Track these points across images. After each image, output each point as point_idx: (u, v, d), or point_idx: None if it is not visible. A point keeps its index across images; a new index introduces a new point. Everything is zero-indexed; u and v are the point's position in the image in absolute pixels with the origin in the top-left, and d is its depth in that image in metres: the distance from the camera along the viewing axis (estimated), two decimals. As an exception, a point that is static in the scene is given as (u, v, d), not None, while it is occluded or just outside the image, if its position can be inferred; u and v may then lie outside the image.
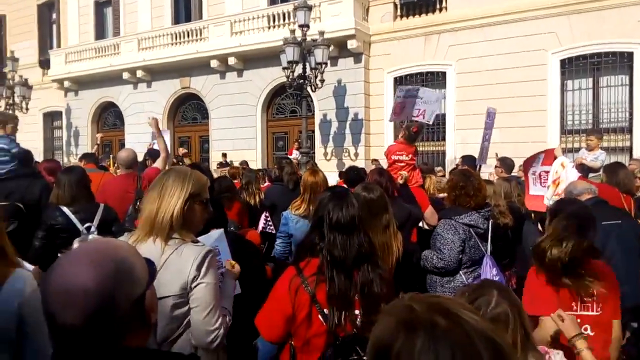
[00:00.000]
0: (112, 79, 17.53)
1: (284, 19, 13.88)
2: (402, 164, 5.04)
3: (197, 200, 1.90)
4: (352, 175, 4.40)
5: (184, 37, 15.71)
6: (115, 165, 6.80)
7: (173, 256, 1.80)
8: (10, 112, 17.96)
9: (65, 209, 3.35)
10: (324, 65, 11.81)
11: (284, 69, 11.94)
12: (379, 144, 13.41)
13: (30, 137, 19.64)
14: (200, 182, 1.93)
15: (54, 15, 20.32)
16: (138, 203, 3.80)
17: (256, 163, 14.10)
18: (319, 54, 11.61)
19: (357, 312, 1.85)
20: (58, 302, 0.93)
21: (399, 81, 13.28)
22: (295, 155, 12.41)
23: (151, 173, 4.12)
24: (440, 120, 12.73)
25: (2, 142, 4.67)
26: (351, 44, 12.93)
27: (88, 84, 18.44)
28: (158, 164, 4.36)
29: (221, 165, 12.27)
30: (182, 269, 1.77)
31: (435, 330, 0.70)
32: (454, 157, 11.91)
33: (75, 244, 3.24)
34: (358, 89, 13.46)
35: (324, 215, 1.93)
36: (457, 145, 12.29)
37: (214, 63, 15.13)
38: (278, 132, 15.38)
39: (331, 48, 12.29)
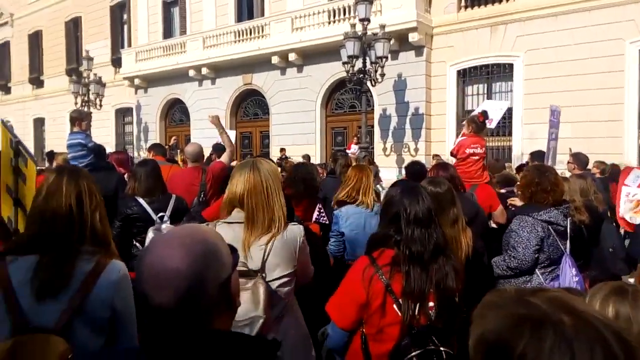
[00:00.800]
0: (178, 76, 18.23)
1: (344, 14, 13.85)
2: (477, 157, 4.87)
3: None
4: (415, 169, 4.32)
5: (246, 35, 16.06)
6: (182, 158, 7.08)
7: (279, 238, 1.96)
8: (86, 108, 19.18)
9: (140, 200, 3.52)
10: (384, 59, 11.67)
11: (343, 63, 11.91)
12: (440, 139, 13.11)
13: (103, 132, 20.85)
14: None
15: (125, 16, 21.40)
16: (202, 195, 3.94)
17: (315, 158, 14.20)
18: (380, 48, 11.48)
19: (430, 304, 1.85)
20: (151, 283, 0.96)
21: (462, 74, 12.91)
22: (353, 150, 12.37)
23: (216, 167, 4.24)
24: (507, 114, 12.23)
25: (79, 137, 5.00)
26: (412, 37, 12.70)
27: (157, 81, 19.28)
28: (223, 158, 4.48)
29: (280, 160, 12.47)
30: (289, 248, 1.98)
31: (564, 329, 0.65)
32: (521, 153, 11.43)
33: (150, 233, 3.40)
34: (419, 82, 13.20)
35: (399, 211, 1.93)
36: (524, 141, 11.78)
37: (274, 59, 15.36)
38: (337, 127, 15.41)
39: (392, 41, 12.13)
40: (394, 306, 1.83)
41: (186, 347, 0.97)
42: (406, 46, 13.13)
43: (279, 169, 6.82)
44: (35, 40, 25.47)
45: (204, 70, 17.30)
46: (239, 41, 16.24)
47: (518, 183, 4.04)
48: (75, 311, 1.54)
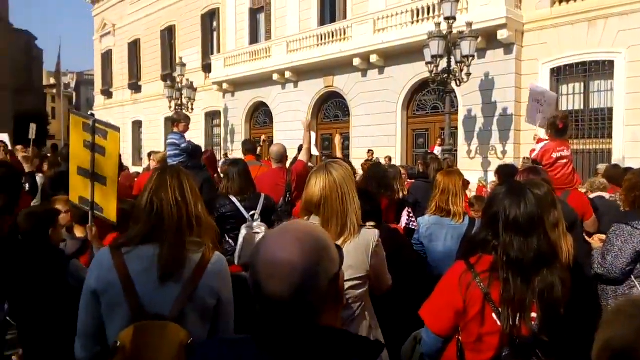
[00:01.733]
0: (263, 80, 18.87)
1: (428, 13, 13.59)
2: (565, 161, 4.58)
3: None
4: (508, 171, 4.14)
5: (328, 38, 16.26)
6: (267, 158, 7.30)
7: (352, 241, 1.98)
8: (180, 111, 20.43)
9: (233, 198, 3.70)
10: (470, 58, 11.29)
11: (427, 63, 11.68)
12: (530, 141, 12.39)
13: (194, 134, 22.07)
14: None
15: (215, 24, 22.52)
16: (288, 195, 4.05)
17: (396, 160, 14.05)
18: (466, 47, 11.12)
19: (533, 314, 1.73)
20: (265, 272, 1.00)
21: (556, 72, 12.14)
22: (437, 152, 12.08)
23: (298, 167, 4.33)
24: (606, 115, 11.35)
25: (174, 137, 5.35)
26: (501, 34, 12.15)
27: (243, 85, 20.10)
28: (302, 156, 4.57)
29: (367, 162, 12.46)
30: (363, 251, 1.99)
31: None
32: (622, 157, 10.53)
33: (243, 230, 3.56)
34: (508, 82, 12.60)
35: (499, 211, 1.82)
36: (626, 144, 10.84)
37: (356, 61, 15.41)
38: (419, 129, 15.13)
39: (479, 39, 11.70)
40: (493, 315, 1.74)
41: (296, 340, 0.99)
42: (494, 44, 12.60)
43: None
44: (134, 48, 27.55)
45: (287, 74, 17.76)
46: (321, 44, 16.47)
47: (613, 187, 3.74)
48: (188, 299, 1.64)
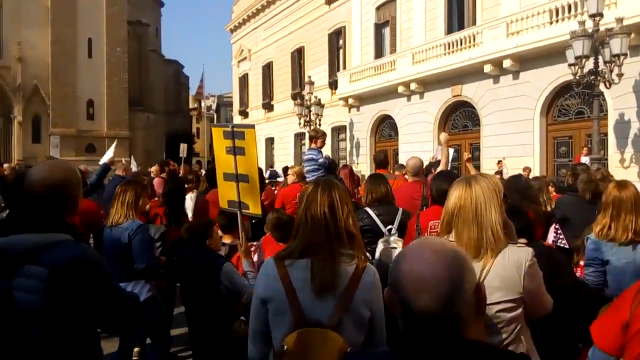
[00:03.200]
0: (388, 93, 18.92)
1: (569, 11, 12.50)
2: None
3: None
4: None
5: (456, 46, 15.78)
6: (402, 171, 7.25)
7: (499, 259, 1.82)
8: (307, 128, 21.32)
9: (370, 211, 3.73)
10: (622, 57, 10.12)
11: (570, 65, 10.73)
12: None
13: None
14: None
15: (341, 41, 23.22)
16: (424, 209, 3.96)
17: (534, 171, 13.04)
18: (616, 45, 10.00)
19: None
20: (412, 288, 1.02)
21: None
22: (583, 161, 10.97)
23: (434, 181, 4.23)
24: None
25: (312, 153, 5.58)
26: (660, 28, 10.73)
27: (368, 99, 20.36)
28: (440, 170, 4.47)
29: (497, 173, 11.80)
30: (513, 271, 1.81)
31: None
32: None
33: (380, 245, 3.57)
34: (669, 80, 11.06)
35: None
36: None
37: (487, 68, 14.72)
38: (560, 136, 13.91)
39: (632, 36, 10.45)
40: None
41: (444, 354, 1.00)
42: (651, 39, 11.16)
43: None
44: (267, 70, 29.51)
45: (413, 86, 17.58)
46: (449, 53, 16.04)
47: None
48: (345, 309, 1.70)
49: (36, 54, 37.01)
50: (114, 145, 7.61)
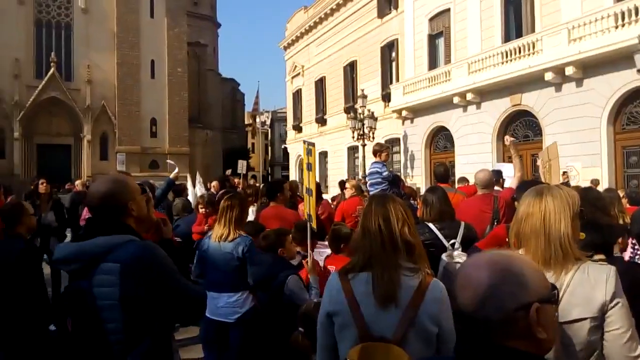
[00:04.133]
0: (443, 104, 18.63)
1: (635, 14, 11.87)
2: None
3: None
4: None
5: (514, 54, 15.35)
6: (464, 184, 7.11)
7: (577, 276, 1.71)
8: (360, 141, 21.34)
9: (431, 226, 3.67)
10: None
11: (638, 71, 10.16)
12: None
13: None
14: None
15: (393, 54, 23.16)
16: (495, 223, 3.85)
17: (602, 182, 12.36)
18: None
19: None
20: (458, 284, 1.13)
21: None
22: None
23: (507, 194, 4.11)
24: None
25: (376, 166, 5.61)
26: None
27: (422, 111, 20.13)
28: (512, 183, 4.33)
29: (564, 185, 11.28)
30: (593, 289, 1.68)
31: None
32: None
33: (443, 259, 3.50)
34: None
35: None
36: None
37: (548, 76, 14.20)
38: (630, 145, 13.14)
39: None
40: None
41: (472, 355, 1.09)
42: None
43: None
44: (320, 85, 29.89)
45: (469, 96, 17.22)
46: (506, 62, 15.62)
47: None
48: (409, 324, 1.69)
49: (103, 76, 39.41)
50: (173, 163, 7.99)
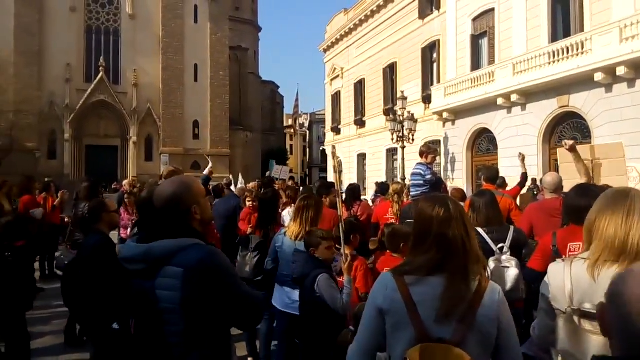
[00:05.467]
0: (486, 106, 18.23)
1: (695, 10, 11.29)
2: None
3: None
4: None
5: (562, 54, 14.84)
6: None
7: None
8: (400, 143, 21.17)
9: (480, 230, 3.62)
10: None
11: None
12: None
13: (413, 164, 22.50)
14: None
15: (434, 55, 22.86)
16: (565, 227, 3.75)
17: (656, 187, 11.79)
18: None
19: None
20: (637, 309, 1.03)
21: None
22: None
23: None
24: None
25: (420, 168, 5.54)
26: None
27: (464, 113, 19.76)
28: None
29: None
30: None
31: None
32: None
33: (491, 263, 3.45)
34: None
35: None
36: None
37: (598, 76, 13.67)
38: (687, 148, 12.45)
39: None
40: None
41: None
42: None
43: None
44: (359, 87, 29.83)
45: (514, 97, 16.78)
46: (554, 62, 15.12)
47: None
48: (468, 326, 1.67)
49: (149, 80, 40.76)
50: (209, 160, 8.18)
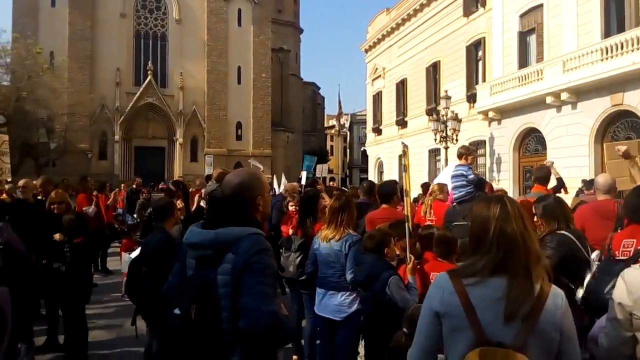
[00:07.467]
0: (534, 104, 17.68)
1: None
2: None
3: None
4: None
5: (615, 50, 14.21)
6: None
7: None
8: (443, 143, 20.83)
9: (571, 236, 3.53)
10: None
11: None
12: None
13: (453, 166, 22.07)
14: None
15: (480, 53, 22.35)
16: (619, 230, 3.62)
17: None
18: None
19: None
20: None
21: None
22: None
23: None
24: None
25: (462, 169, 5.47)
26: None
27: (510, 111, 19.23)
28: None
29: None
30: None
31: None
32: None
33: (632, 271, 3.35)
34: None
35: None
36: None
37: (655, 73, 13.02)
38: None
39: None
40: None
41: None
42: None
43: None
44: (401, 87, 29.54)
45: (564, 95, 16.20)
46: (607, 58, 14.50)
47: None
48: (530, 331, 1.64)
49: (194, 83, 41.84)
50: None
